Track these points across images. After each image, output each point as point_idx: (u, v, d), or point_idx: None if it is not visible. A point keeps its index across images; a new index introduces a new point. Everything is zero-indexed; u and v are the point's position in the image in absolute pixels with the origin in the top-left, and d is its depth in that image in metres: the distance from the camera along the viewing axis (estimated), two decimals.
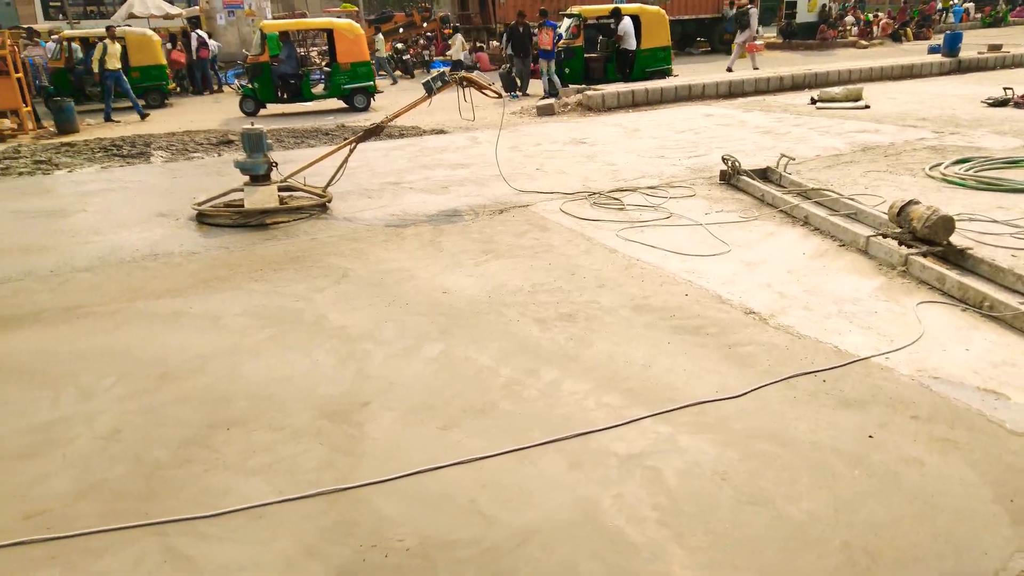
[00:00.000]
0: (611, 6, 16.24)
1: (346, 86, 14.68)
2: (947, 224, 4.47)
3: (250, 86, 14.70)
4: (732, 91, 13.72)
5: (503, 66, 16.62)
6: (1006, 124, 9.23)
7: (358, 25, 15.80)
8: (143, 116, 14.60)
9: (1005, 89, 10.97)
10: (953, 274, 4.11)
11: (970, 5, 35.07)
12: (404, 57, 24.21)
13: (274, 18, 25.40)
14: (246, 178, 6.51)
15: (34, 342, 3.99)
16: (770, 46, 25.46)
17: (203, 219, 6.34)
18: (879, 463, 2.64)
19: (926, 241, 4.54)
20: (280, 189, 6.58)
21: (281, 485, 2.65)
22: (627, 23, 15.44)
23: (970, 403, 3.00)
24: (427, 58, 25.20)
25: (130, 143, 10.90)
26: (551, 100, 13.42)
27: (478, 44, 25.19)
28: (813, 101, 11.92)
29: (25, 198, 7.61)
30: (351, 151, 6.88)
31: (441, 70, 8.89)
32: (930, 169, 6.90)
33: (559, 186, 7.00)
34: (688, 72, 17.34)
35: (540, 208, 6.29)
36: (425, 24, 27.50)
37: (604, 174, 7.49)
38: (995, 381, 3.16)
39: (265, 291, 4.61)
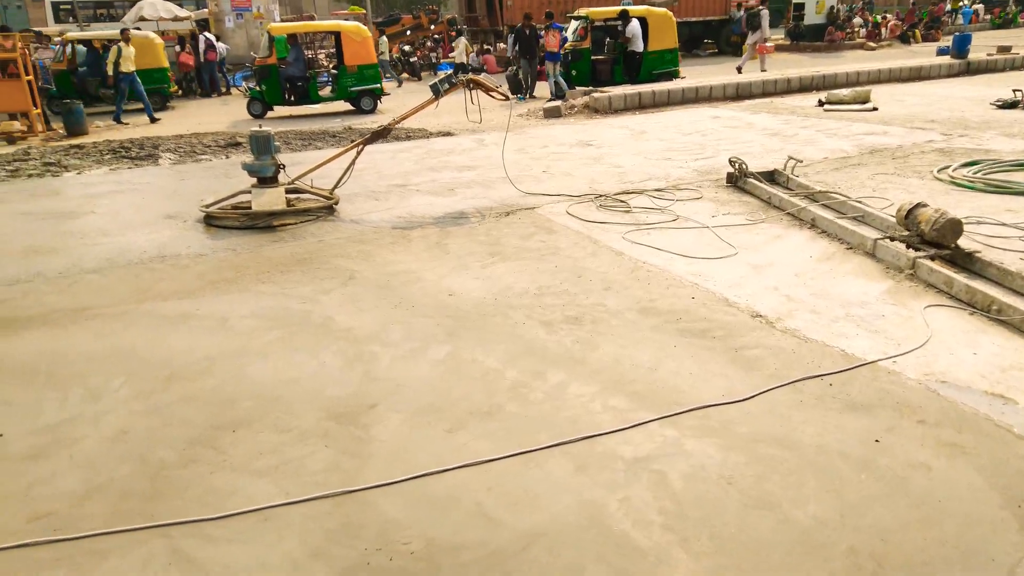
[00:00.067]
0: (619, 8, 16.24)
1: (353, 88, 14.73)
2: (955, 227, 4.45)
3: (258, 88, 14.75)
4: (739, 93, 13.69)
5: (509, 68, 16.63)
6: (1015, 126, 9.19)
7: (365, 28, 15.85)
8: (153, 119, 14.68)
9: (1014, 91, 10.91)
10: (961, 277, 4.09)
11: (979, 7, 34.91)
12: (411, 59, 24.26)
13: (282, 21, 25.48)
14: (254, 180, 6.53)
15: (42, 343, 4.01)
16: (778, 48, 25.39)
17: (211, 221, 6.36)
18: (886, 467, 2.63)
19: (934, 244, 4.52)
20: (287, 191, 6.60)
21: (287, 487, 2.66)
22: (635, 25, 15.44)
23: (978, 407, 2.99)
24: (434, 60, 25.25)
25: (138, 145, 10.95)
26: (558, 102, 13.43)
27: (485, 46, 25.23)
28: (821, 103, 11.89)
29: (34, 200, 7.66)
30: (358, 153, 6.90)
31: (447, 72, 8.91)
32: (938, 172, 6.86)
33: (565, 188, 7.00)
34: (695, 74, 17.32)
35: (546, 210, 6.29)
36: (432, 26, 27.57)
37: (611, 176, 7.48)
38: (1003, 385, 3.14)
39: (272, 293, 4.62)
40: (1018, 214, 5.44)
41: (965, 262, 4.42)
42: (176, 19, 23.55)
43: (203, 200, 6.73)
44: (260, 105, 14.69)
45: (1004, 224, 5.21)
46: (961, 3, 34.26)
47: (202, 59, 20.24)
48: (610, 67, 16.05)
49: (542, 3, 22.96)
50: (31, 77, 12.99)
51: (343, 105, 15.19)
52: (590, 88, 14.23)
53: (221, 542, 2.40)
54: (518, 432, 2.95)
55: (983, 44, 18.48)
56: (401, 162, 8.96)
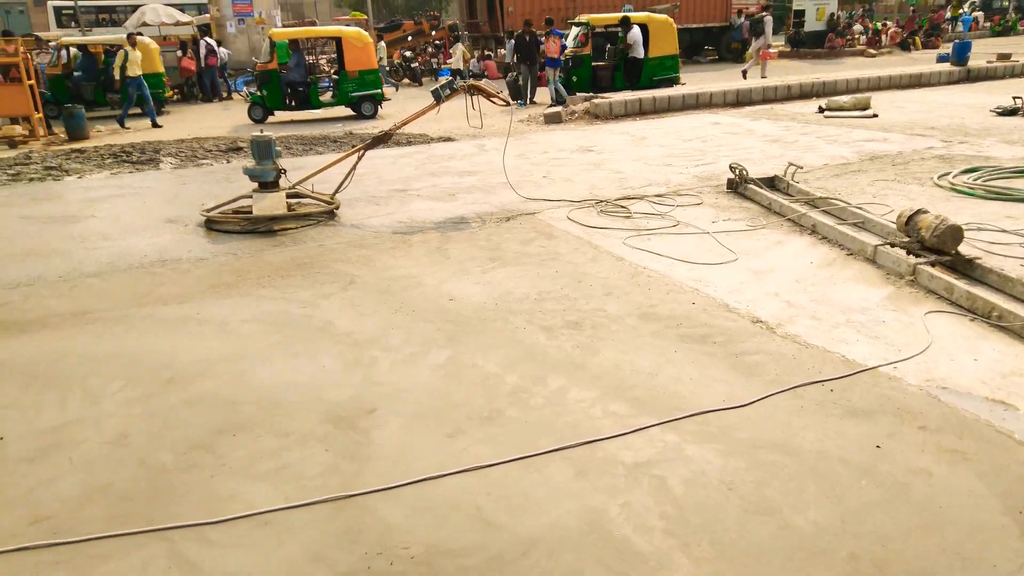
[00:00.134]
0: (619, 15, 16.29)
1: (354, 94, 14.77)
2: (955, 233, 4.46)
3: (259, 93, 14.79)
4: (740, 100, 13.72)
5: (509, 74, 16.68)
6: (1015, 133, 9.20)
7: (366, 33, 15.90)
8: (155, 123, 14.70)
9: (1014, 98, 10.94)
10: (961, 284, 4.09)
11: (979, 14, 35.02)
12: (412, 65, 24.33)
13: (284, 26, 25.54)
14: (254, 185, 6.55)
15: (43, 346, 4.01)
16: (778, 55, 25.46)
17: (211, 225, 6.36)
18: (886, 473, 2.63)
19: (934, 251, 4.52)
20: (288, 196, 6.61)
21: (287, 491, 2.66)
22: (636, 32, 15.49)
23: (978, 414, 2.98)
24: (435, 66, 25.32)
25: (140, 149, 10.98)
26: (558, 108, 13.46)
27: (486, 52, 25.29)
28: (821, 110, 11.91)
29: (36, 204, 7.67)
30: (359, 158, 6.91)
31: (448, 78, 8.93)
32: (938, 178, 6.87)
33: (566, 194, 7.01)
34: (696, 80, 17.37)
35: (547, 216, 6.29)
36: (434, 32, 27.65)
37: (611, 182, 7.49)
38: (1004, 391, 3.14)
39: (273, 297, 4.62)
40: (1018, 221, 5.44)
41: (966, 268, 4.42)
42: (178, 24, 23.63)
43: (204, 204, 6.74)
44: (261, 110, 14.73)
45: (1004, 231, 5.21)
46: (961, 10, 34.36)
47: (203, 64, 20.29)
48: (611, 73, 16.09)
49: (543, 9, 23.02)
50: (33, 81, 13.02)
51: (344, 110, 15.22)
52: (591, 94, 14.28)
53: (221, 546, 2.40)
54: (518, 437, 2.95)
55: (983, 51, 18.54)
56: (402, 167, 8.97)
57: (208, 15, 25.11)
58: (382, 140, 7.12)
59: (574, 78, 15.70)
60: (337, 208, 6.66)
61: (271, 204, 6.31)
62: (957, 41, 17.14)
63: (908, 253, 4.62)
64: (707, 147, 9.31)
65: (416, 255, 5.39)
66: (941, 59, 18.06)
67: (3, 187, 8.59)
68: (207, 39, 20.77)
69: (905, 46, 27.65)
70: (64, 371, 3.68)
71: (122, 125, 14.39)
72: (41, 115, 13.28)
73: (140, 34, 18.78)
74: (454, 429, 3.03)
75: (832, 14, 27.92)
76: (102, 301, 4.68)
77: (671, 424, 2.99)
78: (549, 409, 3.16)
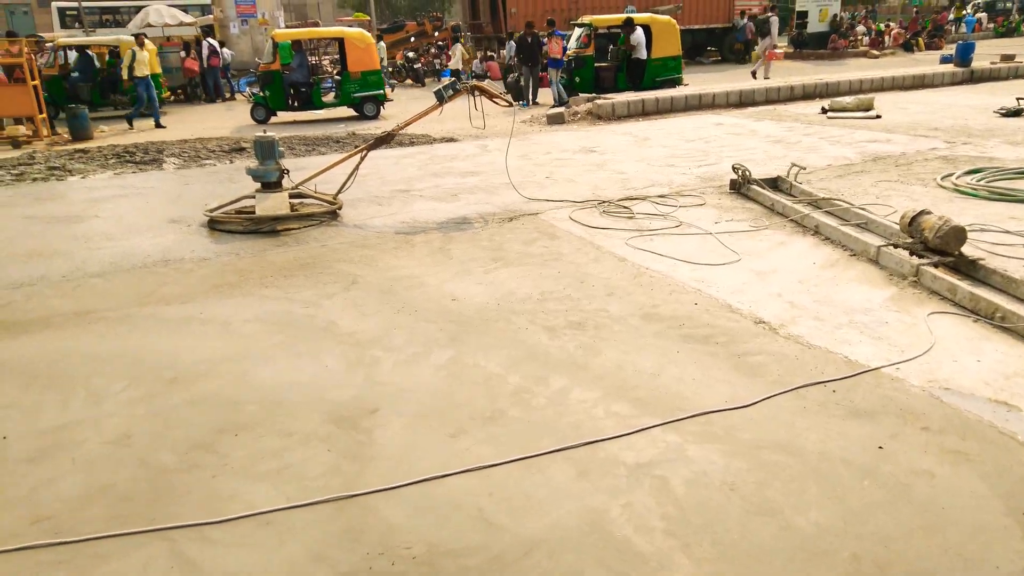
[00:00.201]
0: (622, 16, 16.30)
1: (356, 94, 14.79)
2: (959, 234, 4.45)
3: (262, 94, 14.82)
4: (743, 100, 13.71)
5: (510, 75, 16.70)
6: (1019, 134, 9.18)
7: (369, 35, 15.92)
8: (159, 124, 14.74)
9: (1018, 99, 10.92)
10: (965, 285, 4.08)
11: (983, 15, 34.97)
12: (415, 66, 24.34)
13: (287, 27, 25.57)
14: (257, 185, 6.55)
15: (45, 346, 4.01)
16: (784, 55, 25.46)
17: (214, 225, 6.37)
18: (889, 474, 2.62)
19: (938, 251, 4.51)
20: (291, 196, 6.62)
21: (289, 491, 2.66)
22: (639, 33, 15.49)
23: (981, 415, 2.98)
24: (438, 67, 25.33)
25: (143, 150, 11.00)
26: (561, 109, 13.46)
27: (488, 53, 25.30)
28: (824, 111, 11.90)
29: (39, 204, 7.68)
30: (362, 159, 6.92)
31: (451, 79, 8.93)
32: (942, 179, 6.86)
33: (569, 194, 7.00)
34: (698, 81, 17.36)
35: (550, 216, 6.29)
36: (436, 33, 27.67)
37: (614, 183, 7.49)
38: (1007, 392, 3.13)
39: (275, 297, 4.63)
40: (1022, 222, 5.43)
41: (969, 269, 4.41)
42: (181, 25, 23.68)
43: (207, 205, 6.74)
44: (264, 111, 14.76)
45: (1008, 232, 5.20)
46: (964, 12, 34.31)
47: (205, 65, 20.33)
48: (613, 74, 16.10)
49: (546, 11, 23.04)
50: (37, 82, 13.06)
51: (347, 111, 15.24)
52: (593, 95, 14.28)
53: (222, 546, 2.40)
54: (520, 437, 2.95)
55: (986, 52, 18.50)
56: (405, 167, 8.97)
57: (211, 16, 25.16)
58: (385, 141, 7.13)
59: (577, 79, 15.71)
60: (340, 208, 6.66)
61: (274, 204, 6.32)
62: (960, 42, 17.12)
63: (911, 254, 4.61)
64: (710, 148, 9.31)
65: (419, 255, 5.39)
66: (944, 60, 18.03)
67: (7, 187, 8.61)
68: (210, 40, 20.82)
69: (908, 47, 27.62)
70: (66, 371, 3.69)
71: (131, 124, 14.43)
72: (45, 115, 13.32)
73: (145, 35, 18.83)
74: (456, 429, 3.03)
75: (835, 15, 27.91)
76: (105, 301, 4.68)
77: (673, 424, 2.99)
78: (551, 409, 3.16)
